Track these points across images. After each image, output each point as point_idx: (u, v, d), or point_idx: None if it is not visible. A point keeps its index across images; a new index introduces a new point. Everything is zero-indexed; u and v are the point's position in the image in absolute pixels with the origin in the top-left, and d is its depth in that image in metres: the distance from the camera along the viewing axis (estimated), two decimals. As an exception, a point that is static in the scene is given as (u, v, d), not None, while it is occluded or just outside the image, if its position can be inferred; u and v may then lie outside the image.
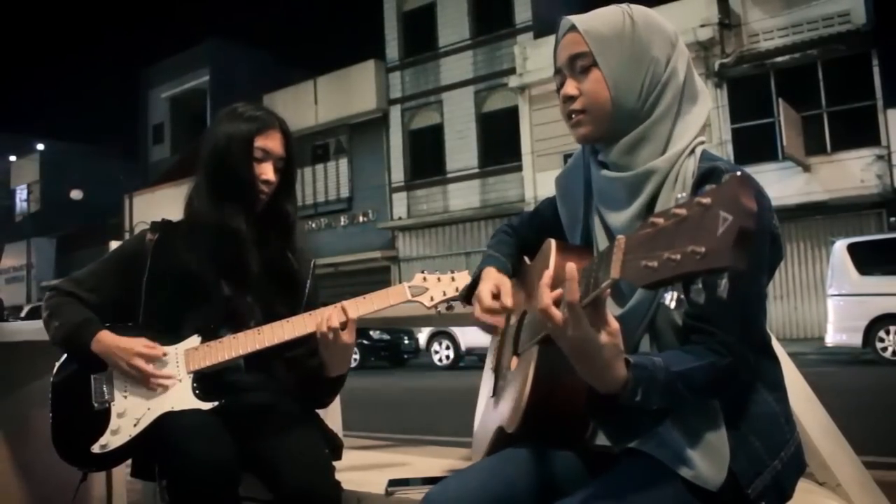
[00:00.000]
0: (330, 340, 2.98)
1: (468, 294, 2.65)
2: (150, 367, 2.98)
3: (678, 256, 1.36)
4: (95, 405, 3.03)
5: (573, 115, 2.27)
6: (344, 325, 2.98)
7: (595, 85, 2.21)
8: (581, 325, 1.72)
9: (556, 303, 1.76)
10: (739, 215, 1.29)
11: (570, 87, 2.26)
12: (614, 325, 1.75)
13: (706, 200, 1.34)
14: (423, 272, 3.14)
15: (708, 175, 2.09)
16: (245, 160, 3.12)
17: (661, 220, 1.43)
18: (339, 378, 3.21)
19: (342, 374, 3.20)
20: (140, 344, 3.01)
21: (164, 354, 3.03)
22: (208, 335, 3.08)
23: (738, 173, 1.35)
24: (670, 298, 1.56)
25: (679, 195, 1.49)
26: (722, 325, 1.97)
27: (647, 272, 1.43)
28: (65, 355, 3.18)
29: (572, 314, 1.71)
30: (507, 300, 2.45)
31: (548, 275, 1.84)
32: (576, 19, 2.25)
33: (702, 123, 2.23)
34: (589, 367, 1.79)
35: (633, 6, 2.25)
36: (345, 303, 3.03)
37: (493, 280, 2.51)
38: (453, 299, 3.09)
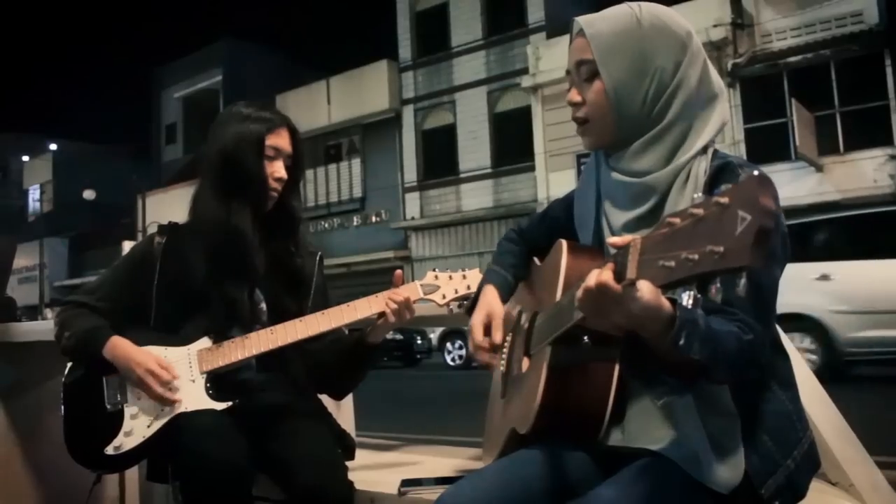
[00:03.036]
0: (405, 314, 3.09)
1: (470, 308, 2.68)
2: (159, 389, 2.98)
3: (696, 256, 1.36)
4: (108, 407, 3.05)
5: (579, 123, 2.30)
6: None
7: (596, 96, 2.22)
8: (632, 301, 1.66)
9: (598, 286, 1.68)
10: (758, 215, 1.28)
11: (574, 94, 2.29)
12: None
13: (724, 200, 1.33)
14: (434, 270, 3.15)
15: (721, 171, 2.10)
16: (257, 160, 3.13)
17: (677, 220, 1.42)
18: (378, 346, 3.24)
19: (379, 343, 3.23)
20: (153, 361, 3.01)
21: (175, 378, 3.02)
22: (220, 336, 3.09)
23: (756, 172, 1.35)
24: (687, 298, 1.56)
25: (695, 195, 1.48)
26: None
27: (665, 272, 1.43)
28: None
29: (627, 293, 1.65)
30: (497, 335, 2.50)
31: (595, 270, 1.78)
32: (584, 22, 2.24)
33: (717, 126, 2.21)
34: (637, 325, 1.74)
35: (643, 7, 2.22)
36: (355, 301, 3.08)
37: (486, 309, 2.54)
38: (465, 297, 3.10)
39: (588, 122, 2.26)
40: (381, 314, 3.10)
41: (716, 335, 1.80)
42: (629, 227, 2.16)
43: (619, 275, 1.60)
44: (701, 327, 1.76)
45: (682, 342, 1.73)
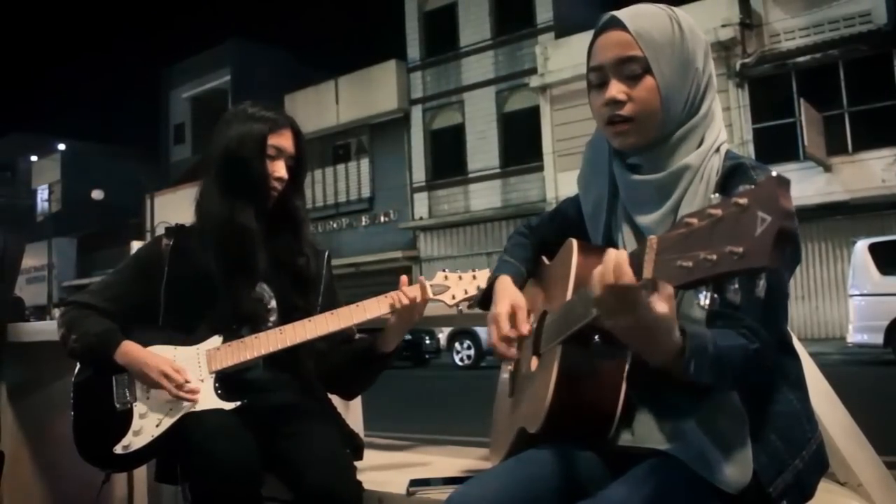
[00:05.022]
0: (413, 315, 3.12)
1: (483, 299, 2.66)
2: (174, 391, 2.98)
3: (715, 256, 1.35)
4: (118, 406, 3.05)
5: (617, 122, 2.20)
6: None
7: (648, 94, 2.15)
8: (639, 305, 1.66)
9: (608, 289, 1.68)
10: (778, 216, 1.28)
11: (618, 91, 2.17)
12: (668, 289, 1.67)
13: (743, 201, 1.33)
14: (444, 271, 3.15)
15: (733, 171, 2.09)
16: (259, 158, 3.14)
17: (695, 221, 1.42)
18: (391, 355, 3.27)
19: (392, 351, 3.26)
20: (167, 365, 3.00)
21: (188, 381, 3.02)
22: (230, 335, 3.09)
23: (774, 173, 1.34)
24: (704, 298, 1.56)
25: (713, 195, 1.49)
26: (752, 318, 1.94)
27: (683, 272, 1.42)
28: None
29: (629, 296, 1.65)
30: (523, 326, 2.41)
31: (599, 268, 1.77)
32: (625, 18, 2.17)
33: (721, 121, 2.25)
34: (647, 340, 1.75)
35: (674, 9, 2.22)
36: (364, 301, 3.09)
37: (509, 299, 2.47)
38: (475, 298, 3.10)
39: (633, 121, 2.18)
40: (391, 312, 3.10)
41: (723, 356, 1.82)
42: (660, 226, 2.12)
43: (635, 275, 1.60)
44: (710, 353, 1.77)
45: (692, 370, 1.75)
